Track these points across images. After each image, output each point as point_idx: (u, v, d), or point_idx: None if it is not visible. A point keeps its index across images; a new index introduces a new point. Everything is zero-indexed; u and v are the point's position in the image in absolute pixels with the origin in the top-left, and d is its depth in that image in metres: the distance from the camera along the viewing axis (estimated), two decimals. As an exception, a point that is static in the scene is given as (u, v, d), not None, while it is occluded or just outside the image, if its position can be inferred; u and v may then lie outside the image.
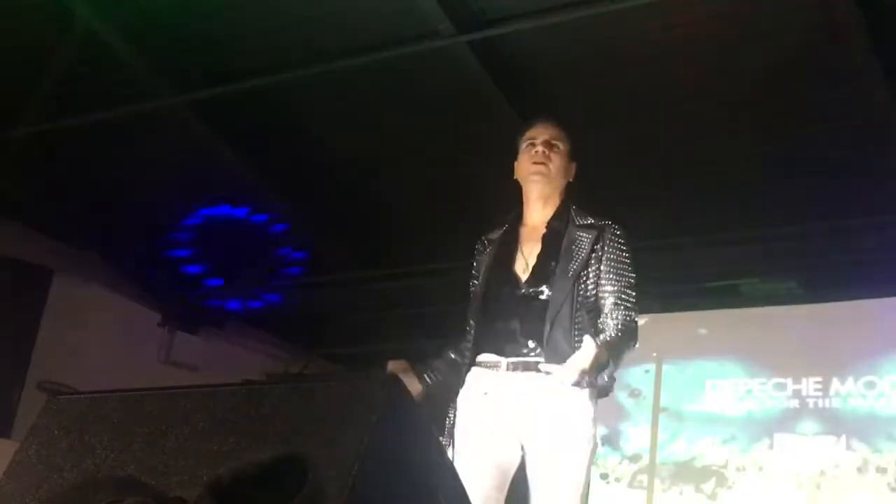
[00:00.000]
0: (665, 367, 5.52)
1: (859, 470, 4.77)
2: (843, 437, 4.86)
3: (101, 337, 5.62)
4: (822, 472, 4.84)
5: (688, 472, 5.19)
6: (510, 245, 2.69)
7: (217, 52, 4.65)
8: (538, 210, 2.70)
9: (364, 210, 5.57)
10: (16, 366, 5.26)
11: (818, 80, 4.19)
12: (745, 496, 5.01)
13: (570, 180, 2.73)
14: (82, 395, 1.66)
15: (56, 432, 1.54)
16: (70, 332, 5.51)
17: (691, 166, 4.73)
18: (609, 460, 5.42)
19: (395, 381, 1.47)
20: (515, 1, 4.11)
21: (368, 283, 5.87)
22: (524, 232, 2.71)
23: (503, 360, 2.56)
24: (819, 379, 5.06)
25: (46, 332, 5.45)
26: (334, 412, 1.39)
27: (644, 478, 5.30)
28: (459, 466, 2.27)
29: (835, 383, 5.01)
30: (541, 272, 2.61)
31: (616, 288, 2.65)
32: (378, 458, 1.33)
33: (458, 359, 2.66)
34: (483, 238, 2.77)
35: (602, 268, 2.62)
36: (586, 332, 2.50)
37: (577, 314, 2.56)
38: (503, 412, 2.53)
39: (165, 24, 4.45)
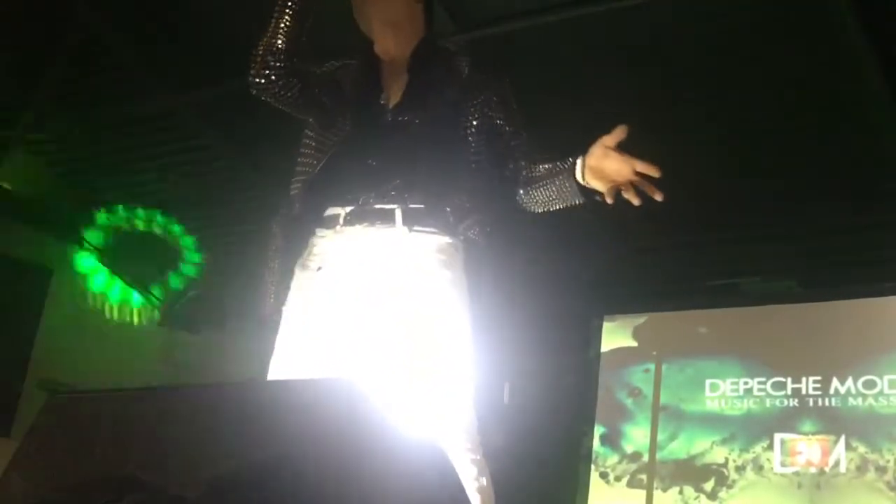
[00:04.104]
0: (665, 366, 5.52)
1: (859, 469, 4.78)
2: (843, 437, 4.86)
3: (101, 337, 5.62)
4: (822, 472, 4.84)
5: (687, 471, 5.19)
6: (369, 76, 2.28)
7: (218, 52, 4.64)
8: (391, 40, 2.31)
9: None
10: (16, 365, 5.26)
11: (816, 79, 4.19)
12: (744, 495, 5.01)
13: None
14: (82, 395, 1.67)
15: (56, 431, 1.55)
16: (70, 331, 5.51)
17: (689, 166, 4.73)
18: (608, 459, 5.43)
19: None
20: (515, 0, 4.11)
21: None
22: (385, 67, 2.30)
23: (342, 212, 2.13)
24: (818, 378, 5.07)
25: (46, 332, 5.45)
26: (336, 412, 1.39)
27: (643, 477, 5.30)
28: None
29: (834, 382, 5.02)
30: (411, 97, 2.21)
31: (519, 137, 2.24)
32: (379, 457, 1.33)
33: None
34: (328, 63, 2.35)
35: (492, 104, 2.22)
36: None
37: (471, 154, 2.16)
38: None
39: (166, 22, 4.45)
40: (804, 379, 5.09)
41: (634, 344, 5.68)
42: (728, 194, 4.86)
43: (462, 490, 1.61)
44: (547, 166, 2.19)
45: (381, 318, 2.06)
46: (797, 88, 4.27)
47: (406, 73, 2.26)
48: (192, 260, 4.93)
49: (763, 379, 5.21)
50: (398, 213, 2.10)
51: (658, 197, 2.03)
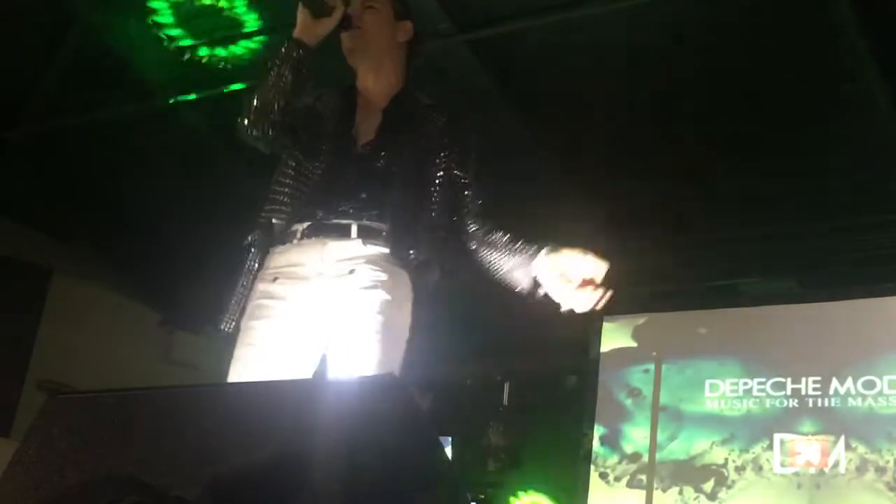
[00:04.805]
0: (664, 367, 5.52)
1: (858, 469, 4.78)
2: (843, 437, 4.86)
3: (101, 337, 5.62)
4: (822, 472, 4.84)
5: (687, 472, 5.19)
6: (345, 108, 2.35)
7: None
8: (371, 81, 2.37)
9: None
10: (15, 365, 5.26)
11: (816, 79, 4.19)
12: (744, 495, 5.01)
13: (404, 40, 2.41)
14: (82, 395, 1.67)
15: (56, 432, 1.55)
16: (70, 332, 5.50)
17: (690, 166, 4.73)
18: (608, 460, 5.43)
19: (394, 380, 1.48)
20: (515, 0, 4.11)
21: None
22: (360, 101, 2.38)
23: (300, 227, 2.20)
24: (818, 378, 5.06)
25: (46, 332, 5.45)
26: (334, 411, 1.39)
27: (643, 477, 5.30)
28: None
29: (834, 382, 5.02)
30: (384, 138, 2.28)
31: (478, 194, 2.30)
32: (377, 457, 1.33)
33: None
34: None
35: (457, 159, 2.30)
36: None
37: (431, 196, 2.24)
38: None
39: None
40: (804, 379, 5.09)
41: (634, 344, 5.68)
42: (728, 194, 4.86)
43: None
44: (507, 239, 2.24)
45: (328, 324, 2.13)
46: (797, 88, 4.27)
47: (381, 116, 2.32)
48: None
49: (763, 379, 5.20)
50: (354, 228, 2.17)
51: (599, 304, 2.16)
